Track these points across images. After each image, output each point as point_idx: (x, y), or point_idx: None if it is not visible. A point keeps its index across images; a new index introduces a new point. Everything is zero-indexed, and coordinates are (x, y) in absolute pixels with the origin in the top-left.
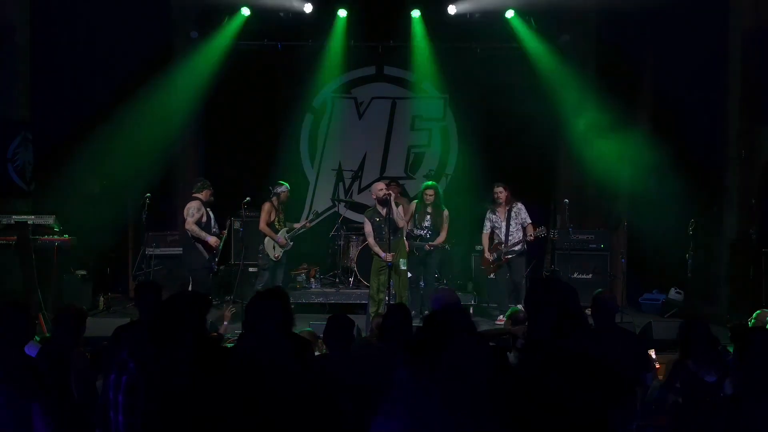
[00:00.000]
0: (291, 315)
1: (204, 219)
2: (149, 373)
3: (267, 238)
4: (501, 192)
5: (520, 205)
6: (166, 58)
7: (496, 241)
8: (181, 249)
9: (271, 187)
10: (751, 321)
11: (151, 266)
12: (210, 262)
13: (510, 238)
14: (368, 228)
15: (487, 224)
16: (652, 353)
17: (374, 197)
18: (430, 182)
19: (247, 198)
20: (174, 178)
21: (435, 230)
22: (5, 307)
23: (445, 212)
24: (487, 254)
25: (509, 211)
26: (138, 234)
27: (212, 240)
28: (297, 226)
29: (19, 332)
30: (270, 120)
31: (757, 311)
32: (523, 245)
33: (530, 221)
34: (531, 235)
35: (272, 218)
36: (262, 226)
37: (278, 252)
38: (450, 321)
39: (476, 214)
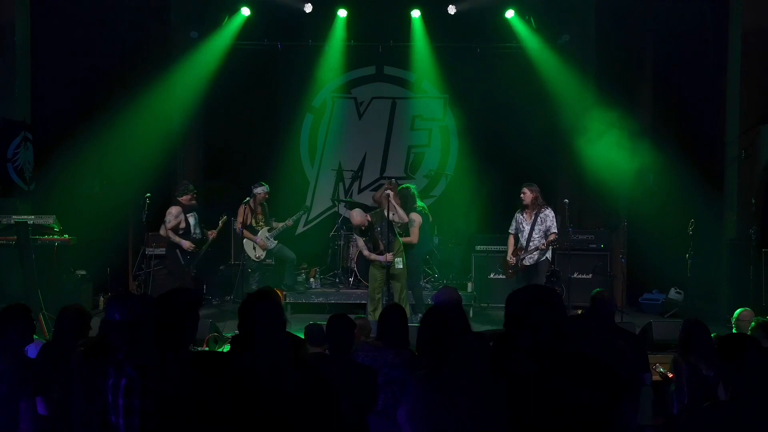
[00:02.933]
0: (284, 314)
1: (183, 225)
2: (148, 375)
3: (245, 240)
4: (524, 193)
5: (547, 211)
6: (166, 57)
7: (519, 245)
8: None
9: (252, 186)
10: (732, 319)
11: (152, 266)
12: (187, 266)
13: (531, 244)
14: (360, 243)
15: (513, 225)
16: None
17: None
18: (405, 185)
19: (247, 198)
20: (174, 178)
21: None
22: (7, 310)
23: (412, 215)
24: (509, 257)
25: (536, 216)
26: (138, 234)
27: (186, 244)
28: (278, 225)
29: (21, 334)
30: (270, 120)
31: (739, 309)
32: (542, 254)
33: (555, 231)
34: (543, 244)
35: (248, 221)
36: (238, 227)
37: (259, 252)
38: (446, 321)
39: (476, 214)
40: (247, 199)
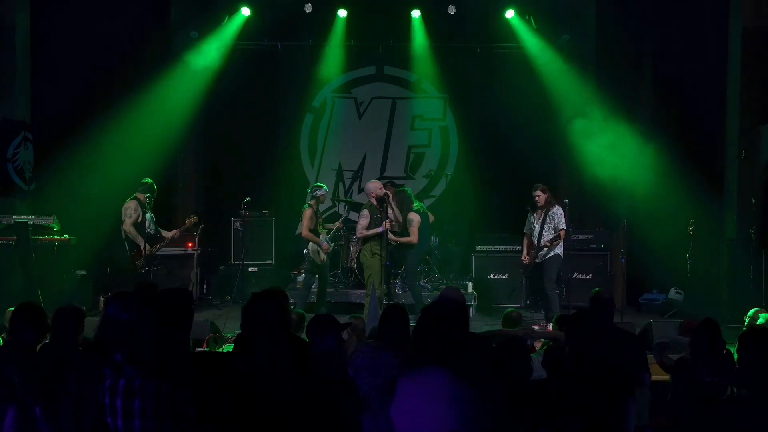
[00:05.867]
0: (289, 315)
1: (140, 219)
2: (147, 375)
3: (311, 244)
4: (538, 195)
5: (556, 209)
6: (166, 58)
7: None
8: (183, 250)
9: (309, 190)
10: (746, 319)
11: (152, 266)
12: (133, 262)
13: (542, 241)
14: (365, 222)
15: (527, 225)
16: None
17: (373, 195)
18: (401, 187)
19: (247, 198)
20: (174, 178)
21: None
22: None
23: (410, 215)
24: (523, 257)
25: (545, 214)
26: None
27: (142, 243)
28: (332, 227)
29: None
30: (270, 120)
31: (753, 309)
32: (550, 250)
33: (563, 227)
34: (548, 241)
35: (314, 224)
36: (305, 233)
37: (323, 256)
38: (445, 319)
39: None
40: (308, 203)
